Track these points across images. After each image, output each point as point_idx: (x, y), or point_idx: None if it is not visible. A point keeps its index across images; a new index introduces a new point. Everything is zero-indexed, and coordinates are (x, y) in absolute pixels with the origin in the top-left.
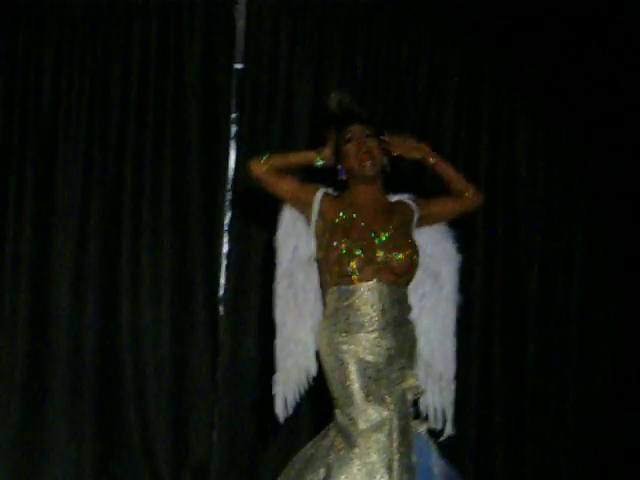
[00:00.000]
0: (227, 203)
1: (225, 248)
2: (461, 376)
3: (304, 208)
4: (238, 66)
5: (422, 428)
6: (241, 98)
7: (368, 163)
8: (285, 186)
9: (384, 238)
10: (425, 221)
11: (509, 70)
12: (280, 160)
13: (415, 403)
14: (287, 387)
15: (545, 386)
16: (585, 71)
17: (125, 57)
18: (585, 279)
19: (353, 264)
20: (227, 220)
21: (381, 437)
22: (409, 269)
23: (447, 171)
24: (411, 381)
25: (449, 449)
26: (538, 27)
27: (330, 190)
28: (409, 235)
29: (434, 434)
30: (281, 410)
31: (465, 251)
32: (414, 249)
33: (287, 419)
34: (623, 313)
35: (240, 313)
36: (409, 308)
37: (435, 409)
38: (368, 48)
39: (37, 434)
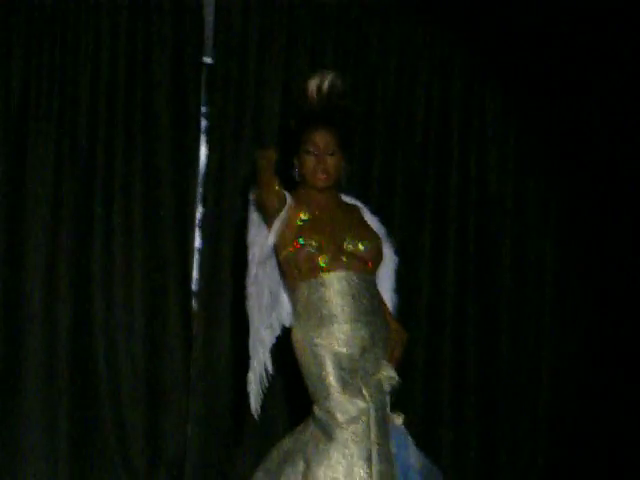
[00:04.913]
0: (198, 198)
1: (197, 244)
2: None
3: (272, 212)
4: (207, 60)
5: (399, 420)
6: (211, 92)
7: (322, 178)
8: (275, 201)
9: (349, 229)
10: None
11: (480, 70)
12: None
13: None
14: (257, 385)
15: (519, 398)
16: (561, 74)
17: (93, 53)
18: (556, 285)
19: (324, 257)
20: (199, 216)
21: (359, 428)
22: (376, 256)
23: None
24: (386, 371)
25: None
26: (514, 25)
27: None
28: (369, 227)
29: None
30: (255, 408)
31: (438, 255)
32: (378, 238)
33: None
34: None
35: (214, 308)
36: (379, 297)
37: None
38: (338, 41)
39: (10, 432)
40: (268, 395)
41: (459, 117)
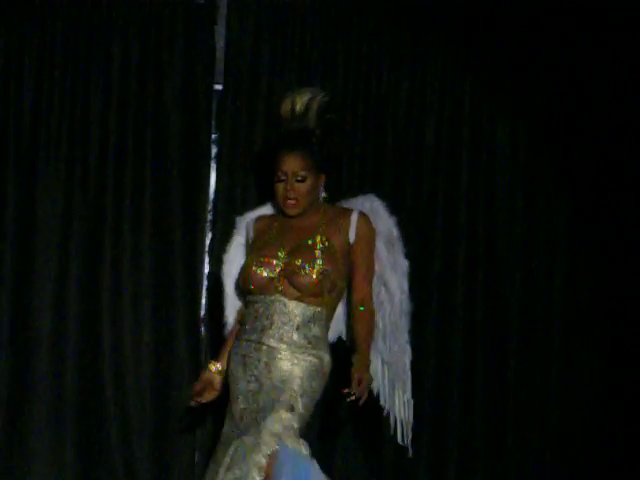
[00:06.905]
0: (208, 224)
1: (206, 269)
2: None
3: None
4: (218, 87)
5: (305, 450)
6: (221, 119)
7: (290, 205)
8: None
9: (286, 255)
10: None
11: (489, 85)
12: None
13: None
14: None
15: (527, 404)
16: (569, 82)
17: (105, 78)
18: (567, 288)
19: (252, 278)
20: (208, 241)
21: (221, 449)
22: (311, 287)
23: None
24: (285, 415)
25: None
26: (519, 38)
27: (266, 209)
28: (326, 253)
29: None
30: None
31: (447, 264)
32: (321, 268)
33: None
34: (605, 317)
35: (221, 334)
36: (321, 329)
37: (401, 425)
38: (348, 68)
39: (17, 456)
40: None
41: (469, 147)
